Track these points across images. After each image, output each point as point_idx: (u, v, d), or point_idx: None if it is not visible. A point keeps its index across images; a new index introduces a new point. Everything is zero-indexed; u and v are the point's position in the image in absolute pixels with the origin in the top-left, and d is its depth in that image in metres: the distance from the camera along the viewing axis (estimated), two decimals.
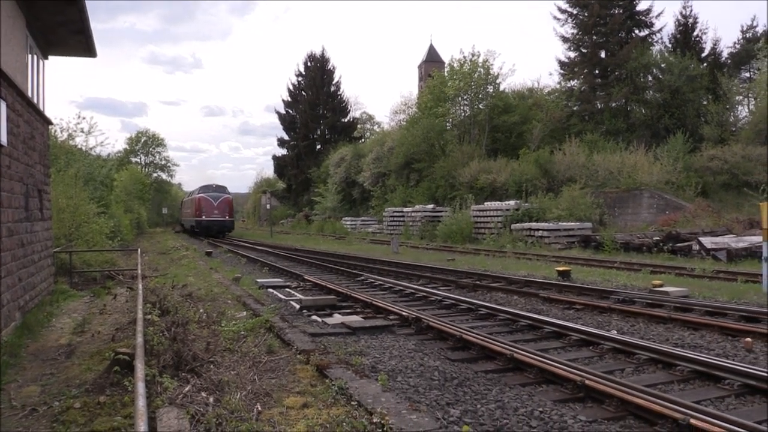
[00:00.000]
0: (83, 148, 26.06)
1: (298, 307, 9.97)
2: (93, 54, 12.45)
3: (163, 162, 72.81)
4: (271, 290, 12.38)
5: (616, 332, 7.81)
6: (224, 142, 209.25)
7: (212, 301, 10.28)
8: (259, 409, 4.68)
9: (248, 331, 7.52)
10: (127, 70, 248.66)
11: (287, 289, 12.68)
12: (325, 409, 4.62)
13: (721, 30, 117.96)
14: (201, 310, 8.99)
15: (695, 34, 41.37)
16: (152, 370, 5.24)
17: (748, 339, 7.08)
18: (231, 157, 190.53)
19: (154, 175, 71.23)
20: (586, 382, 5.24)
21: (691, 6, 43.22)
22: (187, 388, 5.00)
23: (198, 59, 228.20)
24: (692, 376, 5.85)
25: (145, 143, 71.09)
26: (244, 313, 9.21)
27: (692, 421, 4.22)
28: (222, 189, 42.43)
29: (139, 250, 19.72)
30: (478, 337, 7.08)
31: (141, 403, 3.65)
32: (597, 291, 11.15)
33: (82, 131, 25.58)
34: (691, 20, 41.50)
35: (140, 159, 70.79)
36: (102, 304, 10.63)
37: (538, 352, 6.31)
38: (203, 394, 4.92)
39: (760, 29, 43.15)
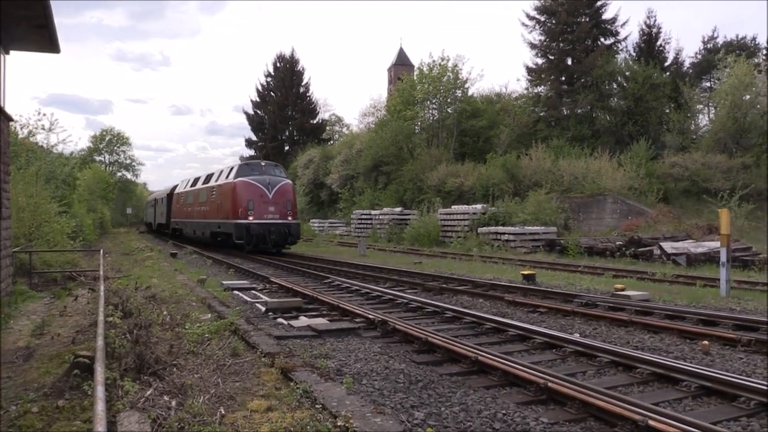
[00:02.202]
0: (45, 146, 25.47)
1: (263, 309, 9.89)
2: (57, 50, 12.17)
3: (128, 161, 71.61)
4: (236, 292, 12.26)
5: (578, 335, 7.93)
6: (191, 141, 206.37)
7: (176, 303, 10.13)
8: (223, 412, 4.64)
9: (213, 334, 7.44)
10: (93, 66, 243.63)
11: (253, 292, 12.58)
12: (290, 413, 4.60)
13: (684, 40, 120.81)
14: (165, 312, 8.86)
15: (659, 43, 42.37)
16: (113, 374, 5.15)
17: (706, 342, 7.25)
18: (198, 157, 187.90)
19: (119, 174, 69.99)
20: (549, 384, 5.31)
21: (655, 16, 44.21)
22: (149, 392, 4.93)
23: (166, 57, 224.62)
24: (651, 379, 5.97)
25: (110, 141, 69.79)
26: (209, 315, 9.11)
27: (651, 422, 4.31)
28: (275, 169, 25.11)
29: (101, 250, 19.36)
30: (444, 339, 7.12)
31: (100, 407, 3.58)
32: (561, 294, 11.31)
33: (44, 128, 24.98)
34: (655, 30, 42.47)
35: (104, 158, 69.47)
36: (62, 306, 10.40)
37: (502, 355, 6.38)
38: (166, 397, 4.85)
39: (720, 40, 44.35)
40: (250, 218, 22.46)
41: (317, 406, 4.75)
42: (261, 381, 5.58)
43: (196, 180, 31.41)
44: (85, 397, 4.95)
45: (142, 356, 5.67)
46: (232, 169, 25.01)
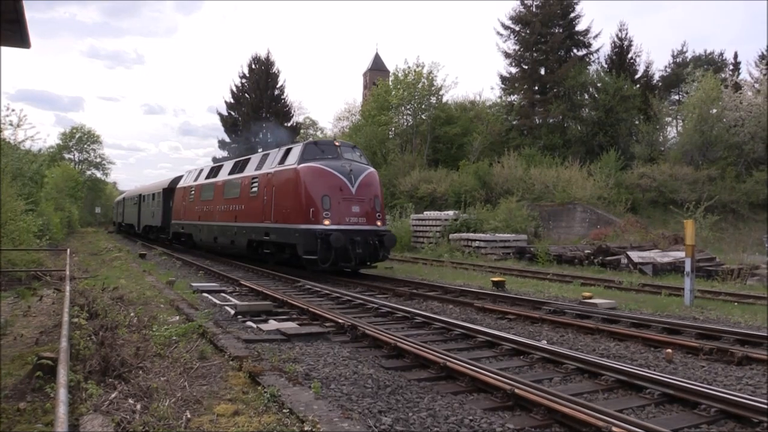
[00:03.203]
0: (12, 142, 24.95)
1: (233, 312, 9.82)
2: (27, 45, 11.89)
3: (99, 159, 70.52)
4: (205, 295, 12.15)
5: (546, 342, 8.02)
6: (164, 141, 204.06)
7: (144, 305, 10.00)
8: (189, 416, 4.59)
9: (180, 337, 7.36)
10: (65, 62, 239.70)
11: (222, 294, 12.47)
12: (257, 417, 4.58)
13: (654, 54, 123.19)
14: (132, 314, 8.74)
15: (630, 56, 43.23)
16: (77, 376, 5.07)
17: (669, 350, 7.39)
18: (170, 157, 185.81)
19: (88, 172, 68.85)
20: (516, 390, 5.37)
21: (626, 29, 45.09)
22: (113, 395, 4.86)
23: (140, 55, 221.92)
24: (616, 386, 6.06)
25: (80, 139, 68.67)
26: (177, 317, 9.01)
27: (614, 428, 4.38)
28: (353, 151, 18.23)
29: (68, 250, 19.02)
30: (413, 345, 7.15)
31: (62, 410, 3.53)
32: (530, 301, 11.43)
33: (11, 124, 24.49)
34: (626, 43, 43.34)
35: (74, 156, 68.32)
36: (27, 306, 10.18)
37: (470, 361, 6.42)
38: (130, 400, 4.79)
39: (689, 55, 45.33)
40: (326, 222, 15.25)
41: (284, 410, 4.73)
42: (228, 385, 5.54)
43: (216, 169, 24.03)
44: (48, 399, 4.86)
45: (108, 358, 5.58)
46: (289, 151, 17.41)
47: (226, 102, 62.52)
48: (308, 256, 15.19)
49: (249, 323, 8.96)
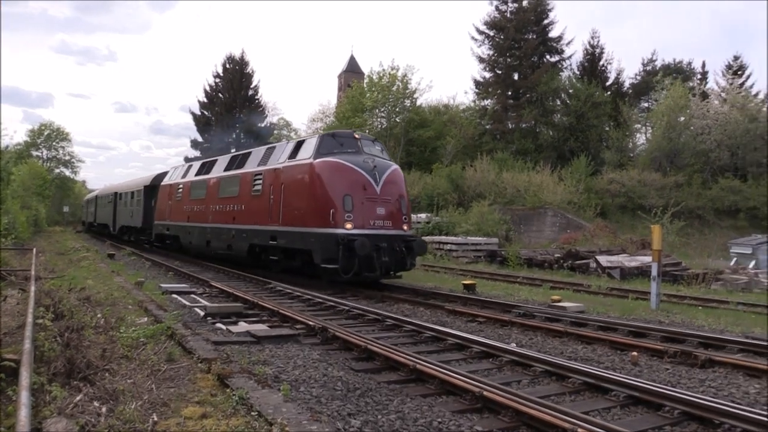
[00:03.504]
0: None
1: (202, 314, 9.73)
2: None
3: (68, 157, 69.19)
4: (175, 296, 12.01)
5: (515, 345, 8.10)
6: (135, 140, 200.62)
7: (112, 306, 9.86)
8: (155, 419, 4.54)
9: (148, 338, 7.27)
10: (35, 58, 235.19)
11: (192, 295, 12.35)
12: (225, 420, 4.55)
13: (625, 61, 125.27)
14: (99, 315, 8.60)
15: (601, 63, 43.98)
16: (41, 378, 4.98)
17: (635, 353, 7.52)
18: (141, 156, 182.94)
19: (57, 170, 67.54)
20: (484, 393, 5.41)
21: (598, 37, 45.75)
22: (78, 398, 4.79)
23: (113, 52, 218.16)
24: (583, 388, 6.14)
25: (49, 137, 67.32)
26: (145, 318, 8.90)
27: (580, 430, 4.44)
28: (374, 145, 15.95)
29: (34, 249, 18.66)
30: (383, 347, 7.16)
31: (24, 413, 3.47)
32: (500, 305, 11.52)
33: None
34: (598, 50, 44.07)
35: (42, 153, 66.98)
36: None
37: (440, 364, 6.46)
38: (96, 403, 4.72)
39: (659, 63, 46.20)
40: (348, 226, 13.41)
41: (253, 413, 4.70)
42: (197, 387, 5.49)
43: (208, 165, 21.66)
44: (10, 402, 4.76)
45: (73, 360, 5.50)
46: (301, 144, 15.51)
47: (199, 101, 61.97)
48: (327, 264, 13.32)
49: (219, 325, 8.89)
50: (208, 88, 61.94)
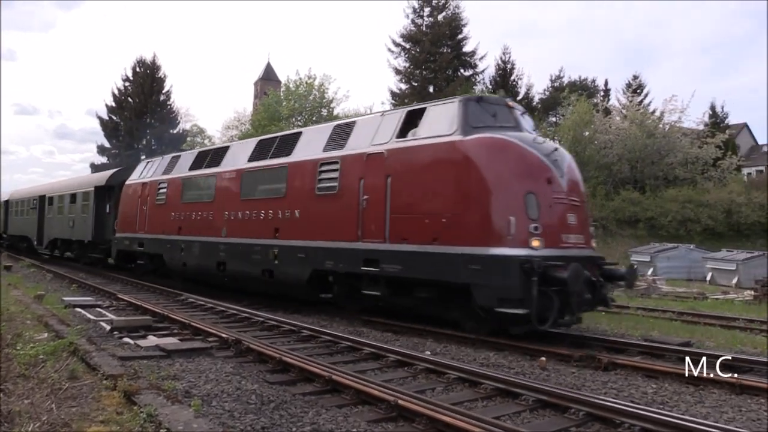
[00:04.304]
0: None
1: (108, 328, 9.31)
2: None
3: None
4: (79, 310, 11.43)
5: (429, 353, 8.21)
6: (37, 144, 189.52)
7: (8, 322, 9.25)
8: None
9: (48, 355, 6.86)
10: None
11: (98, 309, 11.79)
12: None
13: (534, 77, 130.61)
14: None
15: (512, 78, 45.57)
16: None
17: (543, 358, 7.80)
18: (43, 162, 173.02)
19: None
20: (399, 401, 5.45)
21: (510, 52, 47.38)
22: None
23: (12, 51, 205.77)
24: (495, 393, 6.30)
25: None
26: (46, 334, 8.42)
27: None
28: (528, 120, 10.86)
29: None
30: (298, 359, 7.09)
31: None
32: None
33: None
34: (509, 65, 45.64)
35: None
36: None
37: (355, 374, 6.46)
38: None
39: (566, 80, 48.42)
40: (536, 243, 8.58)
41: (162, 430, 4.54)
42: (101, 405, 5.24)
43: (212, 155, 16.08)
44: None
45: None
46: (422, 112, 10.51)
47: (107, 105, 59.53)
48: (507, 309, 8.47)
49: (126, 339, 8.53)
50: (116, 92, 59.63)
